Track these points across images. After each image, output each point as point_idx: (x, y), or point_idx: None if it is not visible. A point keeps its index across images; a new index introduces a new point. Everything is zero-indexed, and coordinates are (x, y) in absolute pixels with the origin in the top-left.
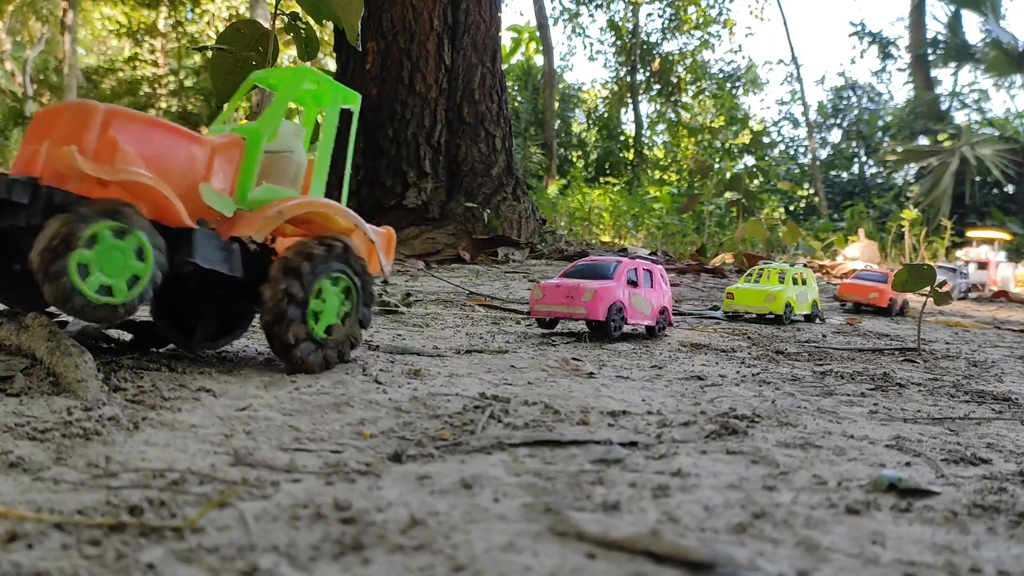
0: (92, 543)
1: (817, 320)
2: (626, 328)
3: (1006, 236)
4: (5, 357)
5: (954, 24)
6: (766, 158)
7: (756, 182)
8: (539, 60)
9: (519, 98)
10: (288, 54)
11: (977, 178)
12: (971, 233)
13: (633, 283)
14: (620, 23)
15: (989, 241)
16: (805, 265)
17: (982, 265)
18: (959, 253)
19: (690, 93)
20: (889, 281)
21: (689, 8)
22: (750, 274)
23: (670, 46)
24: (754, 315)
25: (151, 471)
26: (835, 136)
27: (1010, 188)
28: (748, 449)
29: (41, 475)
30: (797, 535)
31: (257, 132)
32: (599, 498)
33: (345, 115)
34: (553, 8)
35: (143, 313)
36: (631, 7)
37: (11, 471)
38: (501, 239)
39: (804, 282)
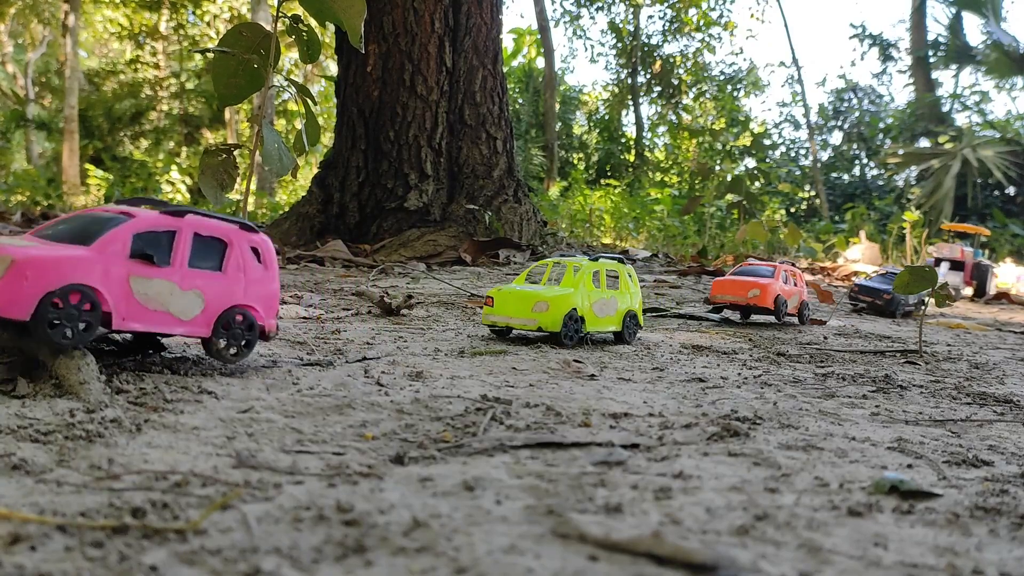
0: (95, 545)
1: (627, 336)
2: (172, 336)
3: (985, 232)
4: (7, 360)
5: (955, 26)
6: (767, 160)
7: (757, 184)
8: (540, 62)
9: (520, 100)
10: (290, 57)
11: (979, 180)
12: (945, 225)
13: (149, 258)
14: (621, 25)
15: (964, 236)
16: (622, 260)
17: (956, 265)
18: (930, 249)
19: (691, 95)
20: (776, 275)
21: (690, 10)
22: (540, 272)
23: (671, 48)
24: (526, 332)
25: (153, 473)
26: (836, 138)
27: (1011, 190)
28: (750, 451)
29: (44, 477)
30: (799, 537)
31: None
32: (601, 500)
33: None
34: (554, 10)
35: None
36: (632, 9)
37: (14, 473)
38: (502, 241)
39: (611, 284)
